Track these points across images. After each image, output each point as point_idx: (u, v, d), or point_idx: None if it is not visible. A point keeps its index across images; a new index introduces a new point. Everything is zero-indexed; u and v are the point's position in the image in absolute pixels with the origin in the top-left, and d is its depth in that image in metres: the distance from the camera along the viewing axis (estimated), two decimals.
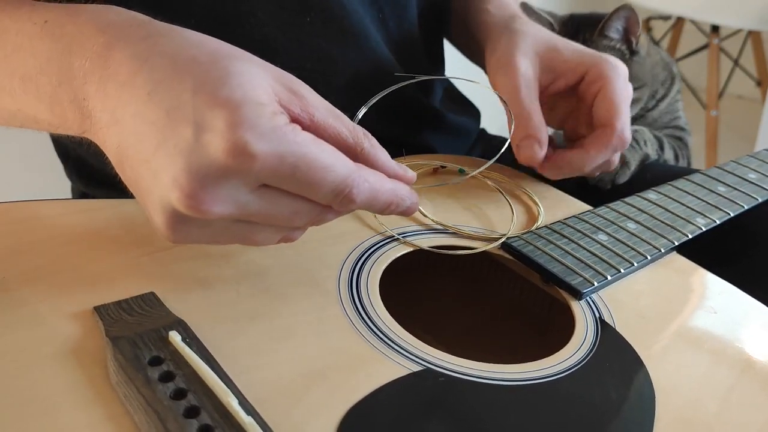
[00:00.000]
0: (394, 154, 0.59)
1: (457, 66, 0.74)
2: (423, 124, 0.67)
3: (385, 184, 0.37)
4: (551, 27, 0.78)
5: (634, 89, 0.71)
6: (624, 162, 0.65)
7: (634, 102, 0.72)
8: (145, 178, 0.34)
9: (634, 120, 0.76)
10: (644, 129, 0.72)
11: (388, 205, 0.37)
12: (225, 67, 0.33)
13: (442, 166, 0.58)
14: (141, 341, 0.34)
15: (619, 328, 0.42)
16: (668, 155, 0.76)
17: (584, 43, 0.64)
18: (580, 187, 0.64)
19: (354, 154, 0.36)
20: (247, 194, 0.33)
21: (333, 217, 0.37)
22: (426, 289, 0.54)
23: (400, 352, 0.38)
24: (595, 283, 0.45)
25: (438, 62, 0.72)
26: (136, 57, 0.35)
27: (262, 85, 0.33)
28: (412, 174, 0.39)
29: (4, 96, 0.40)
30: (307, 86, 0.36)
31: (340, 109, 0.37)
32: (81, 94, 0.36)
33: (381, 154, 0.38)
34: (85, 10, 0.38)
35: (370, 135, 0.37)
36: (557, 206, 0.55)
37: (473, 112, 0.76)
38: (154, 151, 0.33)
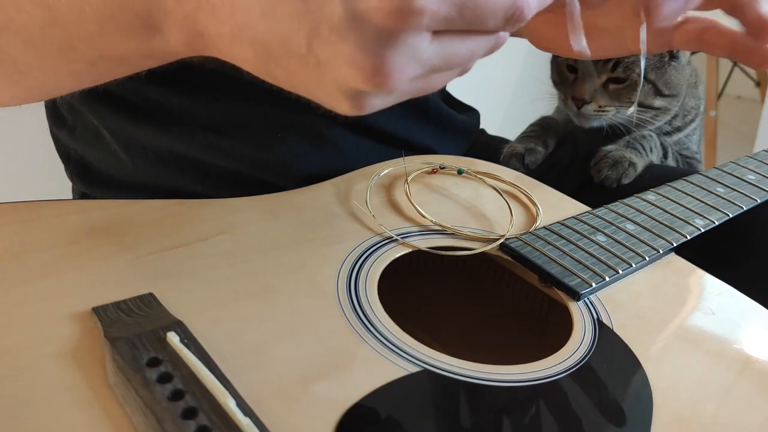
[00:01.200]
0: (394, 154, 0.60)
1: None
2: (423, 124, 0.67)
3: None
4: None
5: (666, 96, 0.70)
6: (631, 163, 0.66)
7: (662, 112, 0.71)
8: (305, 72, 0.32)
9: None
10: (654, 135, 0.72)
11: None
12: None
13: (442, 167, 0.58)
14: (139, 342, 0.34)
15: (617, 329, 0.42)
16: (671, 164, 0.76)
17: None
18: (579, 188, 0.65)
19: None
20: (425, 49, 0.31)
21: (503, 42, 0.34)
22: (424, 290, 0.54)
23: (398, 353, 0.38)
24: (593, 285, 0.45)
25: None
26: None
27: None
28: None
29: (81, 46, 0.39)
30: None
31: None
32: (180, 15, 0.34)
33: None
34: None
35: None
36: (556, 207, 0.55)
37: (473, 113, 0.76)
38: (308, 43, 0.30)
